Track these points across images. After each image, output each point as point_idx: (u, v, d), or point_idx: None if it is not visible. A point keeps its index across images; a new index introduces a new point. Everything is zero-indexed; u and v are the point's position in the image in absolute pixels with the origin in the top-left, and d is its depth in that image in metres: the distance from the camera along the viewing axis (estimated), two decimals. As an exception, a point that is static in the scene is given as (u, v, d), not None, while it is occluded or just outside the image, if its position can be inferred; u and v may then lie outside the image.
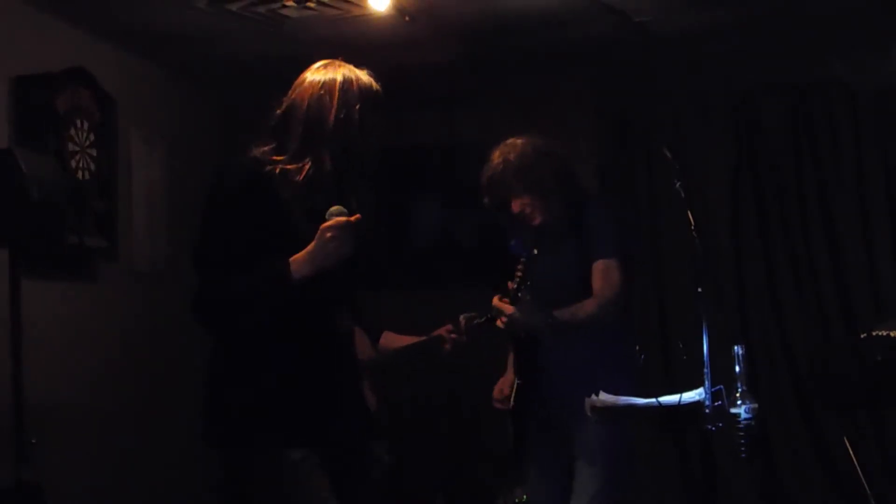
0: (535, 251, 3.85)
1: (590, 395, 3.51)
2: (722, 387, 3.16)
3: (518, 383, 3.98)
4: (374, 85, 3.13)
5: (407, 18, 5.10)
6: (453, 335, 4.61)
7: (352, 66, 3.13)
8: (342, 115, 3.02)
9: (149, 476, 5.55)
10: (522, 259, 3.84)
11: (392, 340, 4.70)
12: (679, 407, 3.42)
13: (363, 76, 3.12)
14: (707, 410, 3.15)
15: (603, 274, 3.90)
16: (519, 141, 4.11)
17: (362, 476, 3.13)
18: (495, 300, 3.86)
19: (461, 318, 4.58)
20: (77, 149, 5.13)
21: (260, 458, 2.95)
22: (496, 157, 4.12)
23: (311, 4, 4.88)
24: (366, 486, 3.15)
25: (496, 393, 4.15)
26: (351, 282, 3.15)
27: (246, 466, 2.99)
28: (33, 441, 4.16)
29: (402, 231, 7.05)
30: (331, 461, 2.99)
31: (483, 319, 4.52)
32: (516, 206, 4.02)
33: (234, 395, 2.98)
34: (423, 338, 4.64)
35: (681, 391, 3.46)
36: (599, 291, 3.87)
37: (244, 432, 2.95)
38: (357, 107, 3.05)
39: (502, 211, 4.09)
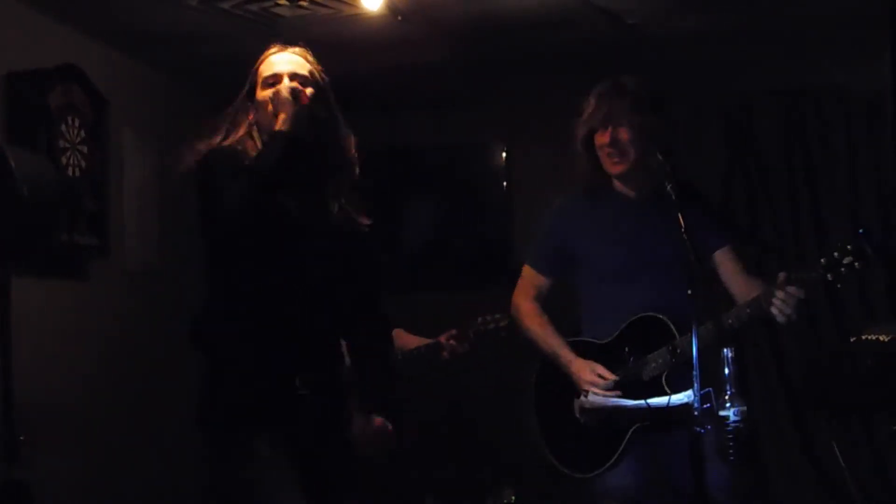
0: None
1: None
2: (711, 389, 3.16)
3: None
4: (287, 50, 3.36)
5: (399, 18, 5.10)
6: (452, 342, 4.55)
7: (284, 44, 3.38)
8: (254, 85, 3.35)
9: (138, 475, 5.54)
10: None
11: (398, 339, 4.65)
12: (668, 409, 3.41)
13: (277, 48, 3.37)
14: (696, 413, 3.15)
15: (736, 260, 3.72)
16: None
17: (337, 475, 3.24)
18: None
19: (478, 319, 4.47)
20: (68, 146, 5.12)
21: (231, 448, 3.12)
22: (605, 86, 3.80)
23: (304, 3, 4.87)
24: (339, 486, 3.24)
25: (594, 378, 3.69)
26: (334, 280, 3.26)
27: (218, 454, 3.18)
28: (21, 438, 4.15)
29: (396, 233, 7.04)
30: (302, 457, 3.13)
31: (504, 323, 4.38)
32: (621, 132, 3.66)
33: (213, 384, 3.20)
34: (427, 341, 4.60)
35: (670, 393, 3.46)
36: (752, 277, 3.68)
37: (219, 420, 3.15)
38: (260, 71, 3.34)
39: (587, 149, 3.75)
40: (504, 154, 6.90)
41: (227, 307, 3.19)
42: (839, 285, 3.35)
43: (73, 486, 4.99)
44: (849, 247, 3.31)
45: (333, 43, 5.01)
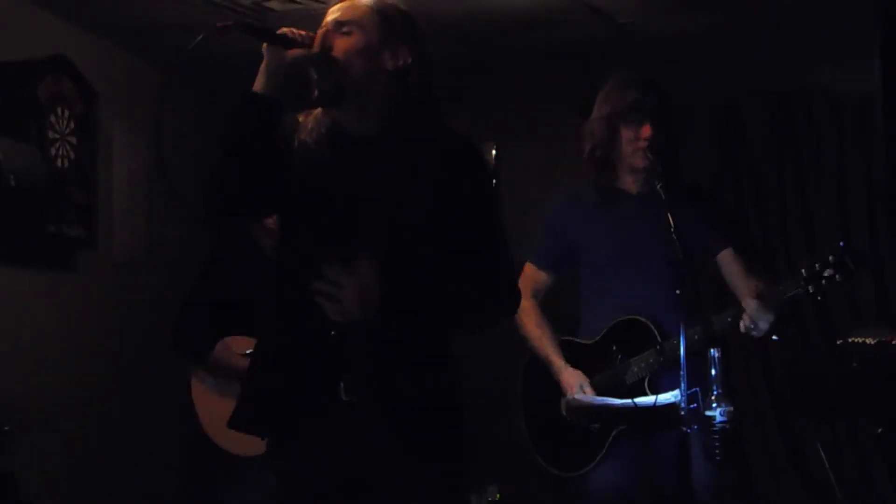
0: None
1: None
2: (698, 389, 3.16)
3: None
4: None
5: (392, 15, 5.09)
6: None
7: None
8: None
9: (123, 466, 5.53)
10: None
11: None
12: (655, 408, 3.41)
13: None
14: (682, 412, 3.15)
15: (739, 262, 3.68)
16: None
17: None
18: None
19: None
20: (57, 137, 5.11)
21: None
22: (637, 79, 3.68)
23: (296, -2, 4.87)
24: None
25: (574, 390, 3.65)
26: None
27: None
28: (6, 429, 4.15)
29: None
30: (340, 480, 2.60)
31: None
32: (660, 129, 3.59)
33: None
34: None
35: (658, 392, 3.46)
36: (754, 280, 3.61)
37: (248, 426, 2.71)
38: None
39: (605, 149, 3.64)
40: (494, 153, 6.89)
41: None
42: (819, 297, 3.34)
43: (57, 477, 4.98)
44: (830, 258, 3.31)
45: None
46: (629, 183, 3.72)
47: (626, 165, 3.68)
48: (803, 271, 3.35)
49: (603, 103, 3.70)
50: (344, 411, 2.52)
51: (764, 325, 3.43)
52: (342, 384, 2.52)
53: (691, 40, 5.75)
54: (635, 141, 3.59)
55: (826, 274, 3.30)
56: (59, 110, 5.12)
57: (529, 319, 3.84)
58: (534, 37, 5.67)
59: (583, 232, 3.75)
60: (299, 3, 4.92)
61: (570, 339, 3.80)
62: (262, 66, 2.56)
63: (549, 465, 3.79)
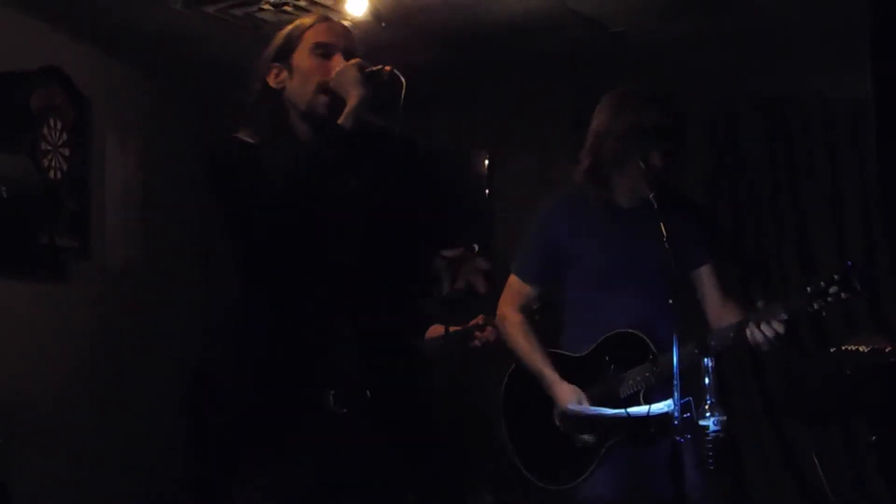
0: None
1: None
2: (691, 398, 3.15)
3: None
4: (316, 20, 2.76)
5: (383, 24, 5.09)
6: (489, 328, 4.44)
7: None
8: (290, 48, 2.73)
9: (117, 475, 5.52)
10: None
11: (433, 332, 4.58)
12: (648, 418, 3.40)
13: (306, 19, 2.75)
14: (676, 422, 3.14)
15: (716, 278, 3.67)
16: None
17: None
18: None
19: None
20: (50, 148, 5.10)
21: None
22: (668, 105, 3.59)
23: (288, 8, 4.87)
24: None
25: (573, 403, 3.60)
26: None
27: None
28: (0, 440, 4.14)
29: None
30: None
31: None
32: (660, 159, 3.51)
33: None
34: (461, 327, 4.53)
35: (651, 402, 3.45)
36: (729, 299, 3.64)
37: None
38: (306, 35, 2.71)
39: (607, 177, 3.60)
40: (487, 161, 6.89)
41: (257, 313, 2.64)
42: (824, 314, 3.32)
43: (51, 487, 4.97)
44: (836, 277, 3.28)
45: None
46: (622, 197, 3.67)
47: (627, 183, 3.61)
48: (808, 288, 3.31)
49: (613, 118, 3.62)
50: (333, 422, 2.54)
51: (776, 341, 3.41)
52: (331, 395, 2.54)
53: (684, 48, 5.75)
54: (646, 165, 3.50)
55: (832, 291, 3.28)
56: (51, 121, 5.12)
57: (517, 332, 3.78)
58: (527, 46, 5.68)
59: (576, 245, 3.69)
60: (291, 14, 4.92)
61: (558, 351, 3.74)
62: (358, 104, 2.62)
63: (534, 477, 3.75)
